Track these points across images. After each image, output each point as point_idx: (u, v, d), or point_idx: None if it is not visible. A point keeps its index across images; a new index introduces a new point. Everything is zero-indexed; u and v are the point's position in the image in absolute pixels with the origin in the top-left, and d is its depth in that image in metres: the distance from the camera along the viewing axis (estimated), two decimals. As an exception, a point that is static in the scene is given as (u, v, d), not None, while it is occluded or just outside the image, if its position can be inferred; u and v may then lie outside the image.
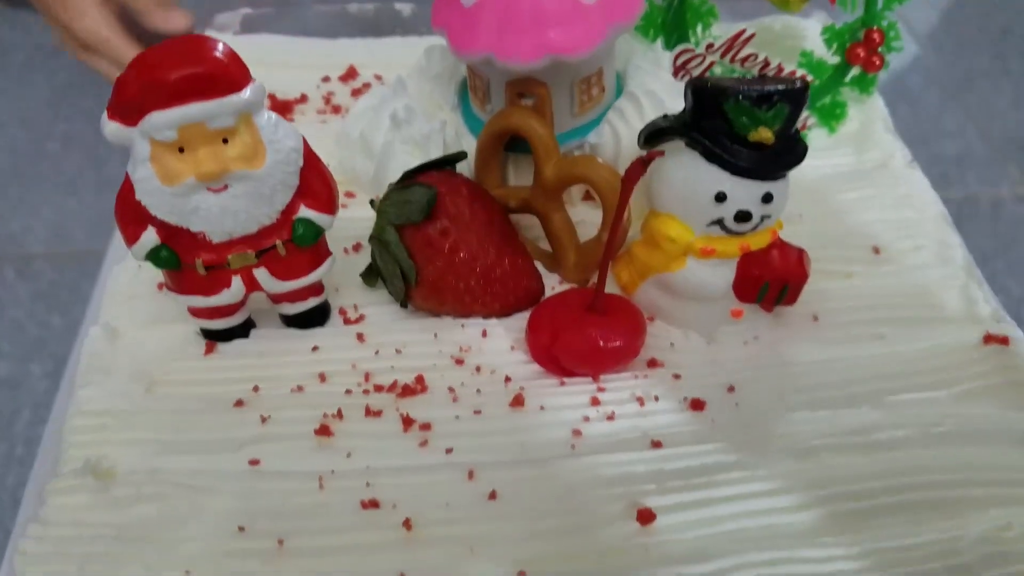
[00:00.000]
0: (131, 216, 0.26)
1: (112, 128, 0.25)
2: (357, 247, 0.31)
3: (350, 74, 0.40)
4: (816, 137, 0.35)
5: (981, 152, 0.88)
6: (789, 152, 0.26)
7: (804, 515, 0.24)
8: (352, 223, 0.31)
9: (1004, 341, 0.28)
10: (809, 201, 0.33)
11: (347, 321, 0.30)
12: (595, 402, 0.28)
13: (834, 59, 0.35)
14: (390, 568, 0.23)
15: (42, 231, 0.80)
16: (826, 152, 0.35)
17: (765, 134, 0.26)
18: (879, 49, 0.35)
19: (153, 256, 0.27)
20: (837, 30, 0.35)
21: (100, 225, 0.79)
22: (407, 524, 0.24)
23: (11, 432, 0.65)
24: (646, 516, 0.25)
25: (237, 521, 0.24)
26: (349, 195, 0.33)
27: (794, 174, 0.32)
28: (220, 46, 0.25)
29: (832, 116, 0.35)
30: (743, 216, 0.27)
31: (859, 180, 0.34)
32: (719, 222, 0.27)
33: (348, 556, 0.24)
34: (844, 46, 0.35)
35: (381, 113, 0.32)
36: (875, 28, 0.35)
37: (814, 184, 0.34)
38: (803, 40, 0.37)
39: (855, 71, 0.35)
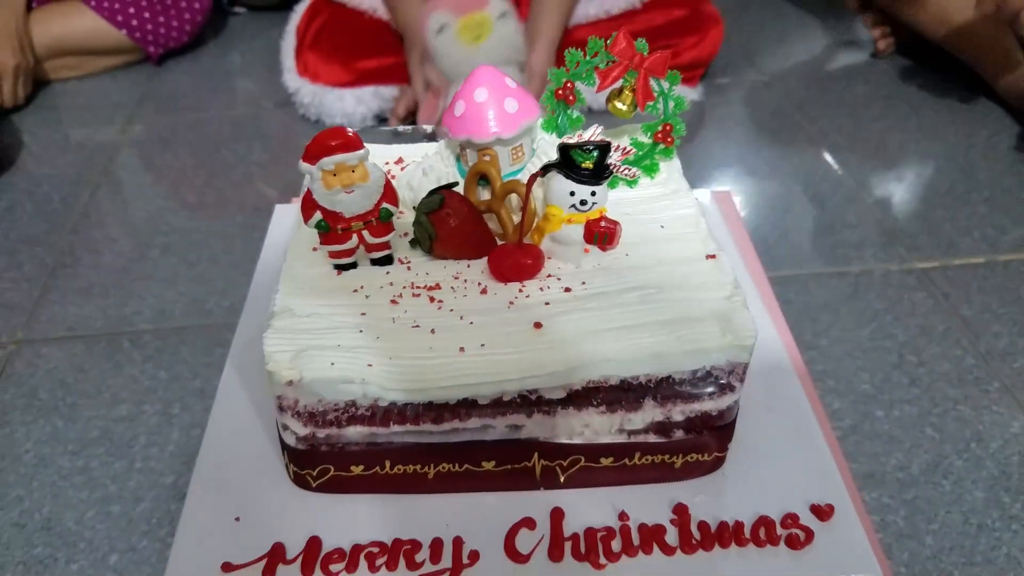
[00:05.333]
0: (309, 205, 0.55)
1: (304, 166, 0.52)
2: (405, 235, 0.60)
3: (399, 160, 0.69)
4: (644, 181, 0.65)
5: (876, 238, 1.14)
6: (600, 173, 0.56)
7: (613, 315, 0.55)
8: (403, 224, 0.61)
9: (714, 256, 0.57)
10: (635, 209, 0.62)
11: (401, 263, 0.58)
12: (520, 290, 0.55)
13: (648, 140, 0.65)
14: (427, 340, 0.54)
15: (148, 313, 1.04)
16: (647, 188, 0.63)
17: (588, 164, 0.57)
18: (671, 133, 0.64)
19: (317, 224, 0.55)
20: (649, 124, 0.64)
21: (193, 306, 1.04)
22: (432, 331, 0.54)
23: (131, 452, 0.85)
24: (539, 325, 0.53)
25: (358, 326, 0.53)
26: (401, 212, 0.66)
27: (626, 196, 0.65)
28: (351, 131, 0.59)
29: (651, 170, 0.64)
30: (583, 202, 0.58)
31: (662, 199, 0.62)
32: (573, 206, 0.60)
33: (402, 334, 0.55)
34: (653, 133, 0.64)
35: (417, 171, 0.65)
36: (668, 123, 0.63)
37: (639, 202, 0.62)
38: (636, 132, 0.67)
39: (661, 146, 0.66)
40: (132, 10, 1.59)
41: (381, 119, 1.44)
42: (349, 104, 1.36)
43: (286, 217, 0.82)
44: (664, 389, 0.53)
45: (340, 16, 1.40)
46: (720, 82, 1.62)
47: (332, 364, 0.51)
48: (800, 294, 1.07)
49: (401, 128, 1.23)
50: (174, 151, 1.42)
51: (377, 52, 1.37)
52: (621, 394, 0.53)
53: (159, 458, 0.86)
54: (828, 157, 1.37)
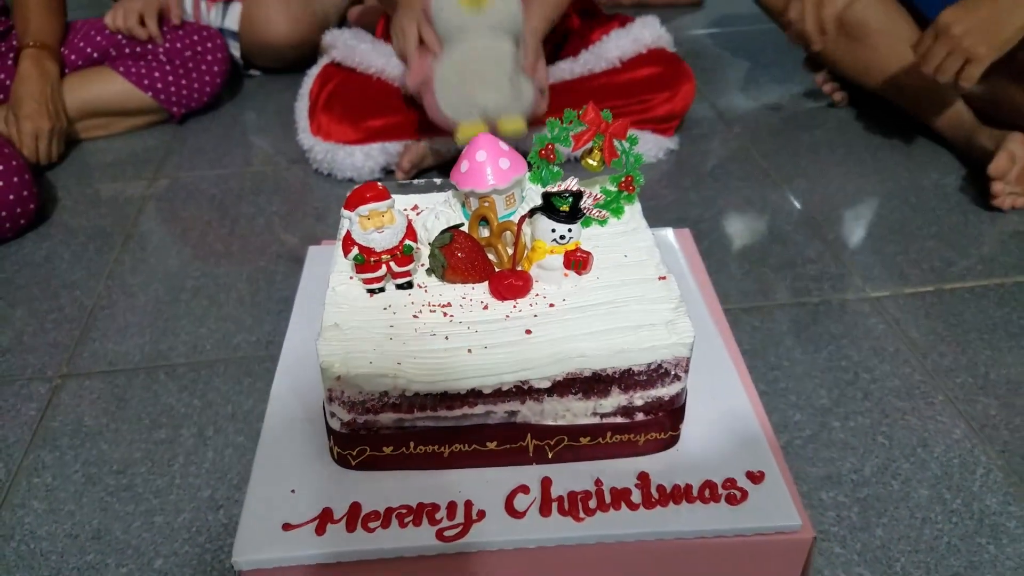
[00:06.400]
0: (348, 243, 0.71)
1: (346, 212, 0.69)
2: (423, 265, 0.76)
3: (415, 207, 0.84)
4: (611, 221, 0.82)
5: (834, 271, 1.26)
6: (575, 214, 0.73)
7: (586, 323, 0.72)
8: (420, 257, 0.82)
9: (664, 278, 0.73)
10: (604, 242, 0.78)
11: (420, 287, 0.74)
12: (514, 306, 0.69)
13: (615, 189, 0.82)
14: (442, 344, 0.71)
15: (182, 348, 1.14)
16: (614, 226, 0.79)
17: (565, 208, 0.74)
18: (632, 183, 0.83)
19: (355, 257, 0.72)
20: (615, 176, 0.81)
21: (222, 341, 1.15)
22: (446, 337, 0.72)
23: (171, 470, 0.95)
24: (529, 332, 0.69)
25: (388, 335, 0.70)
26: (419, 247, 0.84)
27: (597, 232, 0.82)
28: (381, 185, 0.78)
29: (617, 212, 0.80)
30: (563, 237, 0.75)
31: (625, 234, 0.77)
32: (555, 240, 0.77)
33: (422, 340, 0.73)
34: (618, 183, 0.82)
35: (431, 215, 0.83)
36: (630, 175, 0.79)
37: (607, 237, 0.78)
38: (605, 183, 0.84)
39: (625, 194, 0.84)
40: (157, 75, 1.78)
41: (388, 171, 1.62)
42: (359, 159, 1.54)
43: (318, 255, 1.00)
44: (626, 379, 0.70)
45: (349, 81, 1.58)
46: (694, 132, 1.80)
47: (370, 363, 0.68)
48: (765, 321, 1.21)
49: (415, 182, 1.42)
50: (198, 203, 1.53)
51: (384, 112, 1.55)
52: (593, 384, 0.70)
53: (196, 475, 0.96)
54: (791, 198, 1.49)
